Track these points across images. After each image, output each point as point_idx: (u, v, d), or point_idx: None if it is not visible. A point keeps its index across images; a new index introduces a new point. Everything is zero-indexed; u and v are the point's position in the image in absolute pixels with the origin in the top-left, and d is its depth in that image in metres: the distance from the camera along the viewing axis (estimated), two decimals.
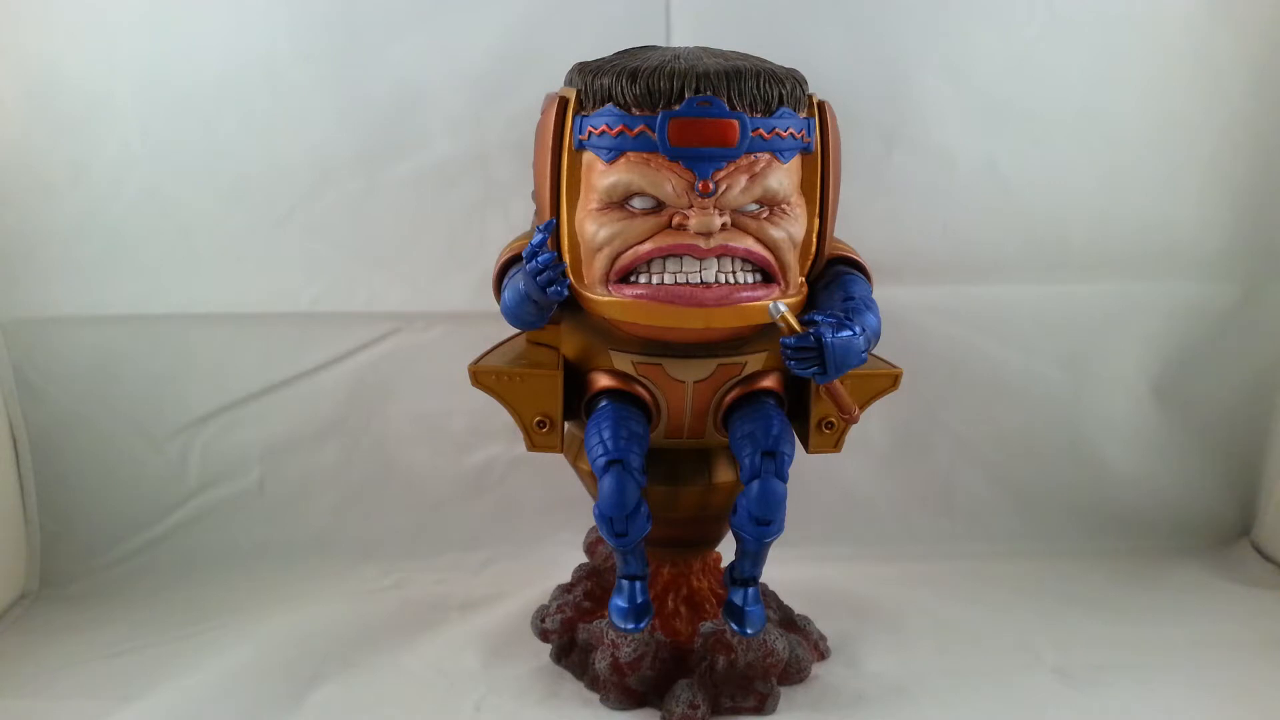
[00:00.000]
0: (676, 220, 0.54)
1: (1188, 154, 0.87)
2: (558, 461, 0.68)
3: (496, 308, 0.60)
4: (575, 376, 0.61)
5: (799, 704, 0.65)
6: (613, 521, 0.56)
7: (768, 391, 0.60)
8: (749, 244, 0.55)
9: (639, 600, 0.60)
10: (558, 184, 0.57)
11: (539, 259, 0.53)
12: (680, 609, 0.68)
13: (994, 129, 0.86)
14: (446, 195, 0.86)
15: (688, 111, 0.53)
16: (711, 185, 0.53)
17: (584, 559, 0.76)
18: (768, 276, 0.56)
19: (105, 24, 0.81)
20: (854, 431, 0.62)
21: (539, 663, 0.70)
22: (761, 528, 0.57)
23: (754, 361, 0.59)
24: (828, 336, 0.52)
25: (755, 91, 0.53)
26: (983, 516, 0.93)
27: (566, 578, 0.75)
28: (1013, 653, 0.72)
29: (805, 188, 0.57)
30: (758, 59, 0.57)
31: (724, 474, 0.65)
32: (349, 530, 0.90)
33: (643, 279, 0.55)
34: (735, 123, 0.53)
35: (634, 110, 0.54)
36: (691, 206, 0.54)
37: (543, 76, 0.63)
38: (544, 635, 0.70)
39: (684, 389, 0.59)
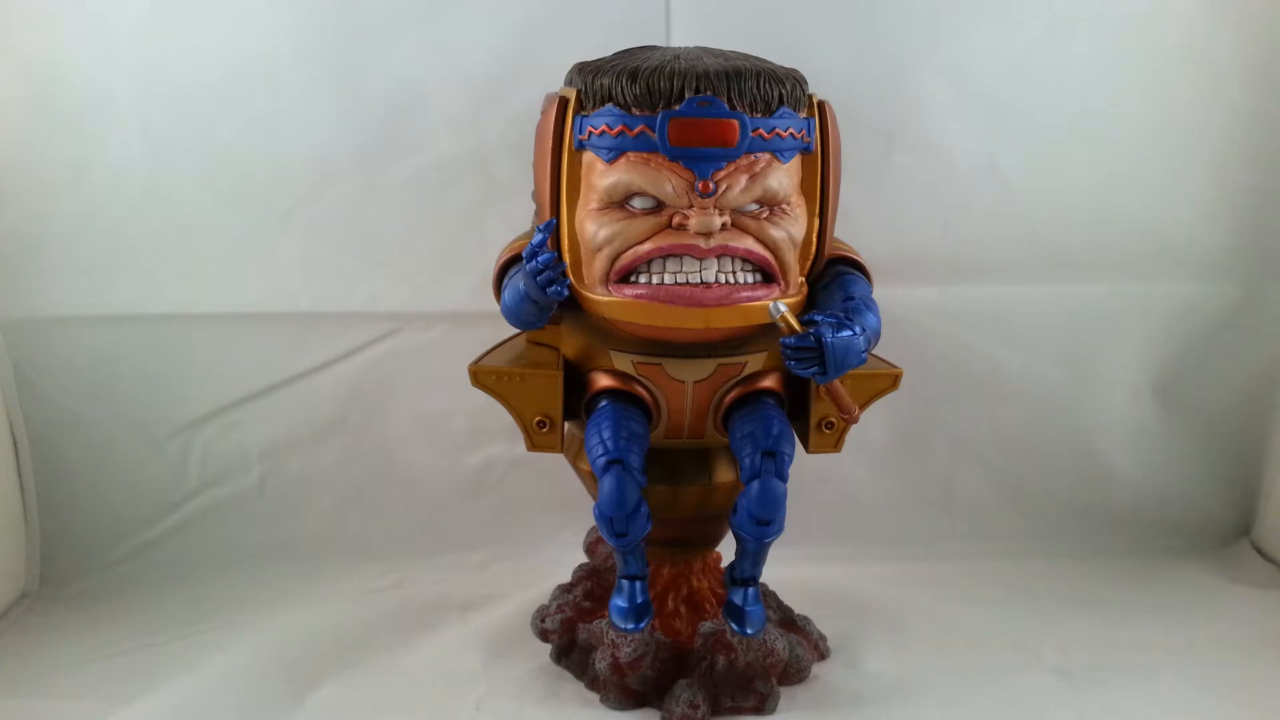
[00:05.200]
0: (676, 220, 0.54)
1: (1188, 154, 0.87)
2: (558, 461, 0.68)
3: (496, 308, 0.60)
4: (575, 376, 0.61)
5: (799, 704, 0.65)
6: (613, 521, 0.56)
7: (768, 391, 0.60)
8: (749, 244, 0.55)
9: (639, 600, 0.59)
10: (558, 184, 0.57)
11: (539, 259, 0.53)
12: (680, 609, 0.68)
13: (994, 129, 0.86)
14: (446, 195, 0.86)
15: (688, 111, 0.53)
16: (711, 185, 0.53)
17: (584, 559, 0.76)
18: (768, 276, 0.56)
19: (106, 24, 0.81)
20: (854, 431, 0.62)
21: (539, 663, 0.70)
22: (761, 527, 0.57)
23: (754, 361, 0.59)
24: (828, 336, 0.52)
25: (755, 91, 0.53)
26: (983, 516, 0.93)
27: (566, 578, 0.75)
28: (1013, 653, 0.72)
29: (805, 188, 0.57)
30: (758, 59, 0.57)
31: (724, 474, 0.64)
32: (349, 530, 0.90)
33: (643, 279, 0.55)
34: (735, 123, 0.53)
35: (634, 110, 0.54)
36: (691, 206, 0.54)
37: (543, 76, 0.63)
38: (544, 635, 0.70)
39: (684, 389, 0.59)
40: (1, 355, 0.85)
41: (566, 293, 0.54)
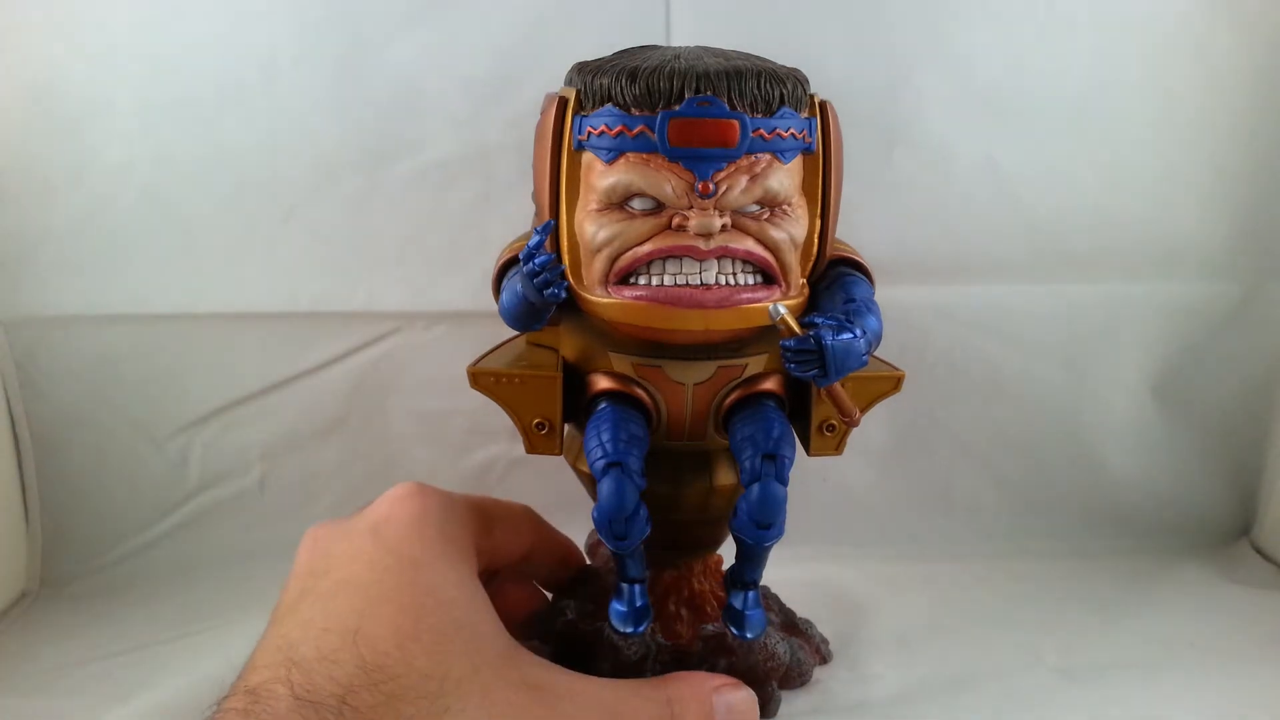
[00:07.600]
0: (676, 221, 0.53)
1: (1188, 154, 0.87)
2: (557, 463, 0.68)
3: (496, 308, 0.60)
4: (575, 378, 0.61)
5: (800, 708, 0.65)
6: (612, 524, 0.56)
7: (768, 394, 0.60)
8: (749, 245, 0.54)
9: (639, 603, 0.59)
10: (557, 184, 0.56)
11: (536, 260, 0.52)
12: (681, 612, 0.68)
13: (994, 128, 0.86)
14: (446, 195, 0.86)
15: (688, 111, 0.52)
16: (712, 186, 0.53)
17: (584, 561, 0.75)
18: (769, 278, 0.55)
19: (105, 24, 0.81)
20: (854, 432, 0.62)
21: None
22: (762, 531, 0.57)
23: (754, 364, 0.59)
24: (828, 339, 0.52)
25: (756, 91, 0.53)
26: (983, 516, 0.93)
27: None
28: (1013, 653, 0.72)
29: (806, 188, 0.57)
30: (758, 59, 0.57)
31: (724, 477, 0.64)
32: None
33: (642, 280, 0.54)
34: (735, 123, 0.53)
35: (633, 110, 0.53)
36: (691, 207, 0.53)
37: (543, 76, 0.63)
38: (544, 637, 0.70)
39: (684, 391, 0.59)
40: (3, 354, 0.85)
41: (564, 294, 0.53)
